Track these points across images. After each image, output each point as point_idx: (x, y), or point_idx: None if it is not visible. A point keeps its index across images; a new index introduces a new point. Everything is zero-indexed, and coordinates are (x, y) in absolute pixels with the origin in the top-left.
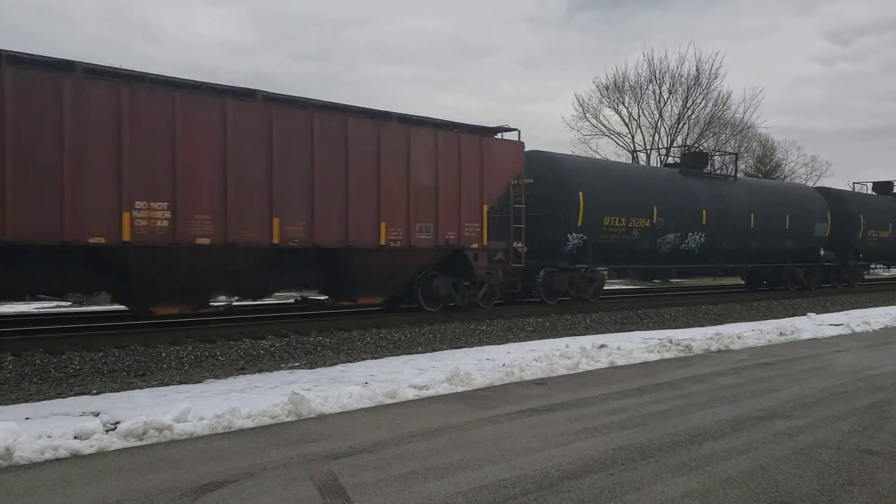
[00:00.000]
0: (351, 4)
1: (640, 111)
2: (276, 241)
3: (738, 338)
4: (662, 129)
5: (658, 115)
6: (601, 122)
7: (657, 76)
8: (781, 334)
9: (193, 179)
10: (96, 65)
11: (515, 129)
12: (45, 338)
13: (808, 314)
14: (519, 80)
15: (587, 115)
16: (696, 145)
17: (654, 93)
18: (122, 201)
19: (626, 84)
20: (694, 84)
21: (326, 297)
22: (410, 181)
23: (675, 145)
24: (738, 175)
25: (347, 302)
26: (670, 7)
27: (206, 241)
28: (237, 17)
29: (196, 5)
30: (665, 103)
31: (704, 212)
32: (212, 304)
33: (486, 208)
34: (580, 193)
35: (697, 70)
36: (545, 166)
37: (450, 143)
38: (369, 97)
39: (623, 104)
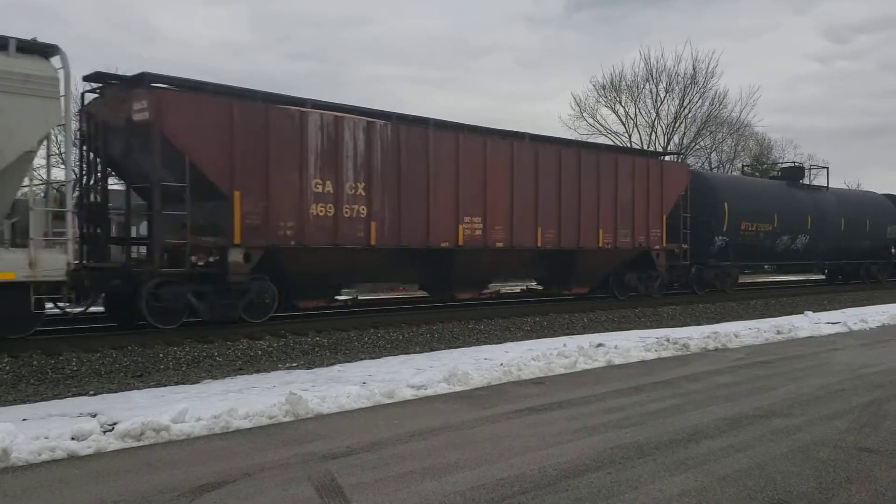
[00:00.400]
0: (349, 4)
1: (637, 110)
2: (539, 244)
3: (736, 336)
4: (659, 128)
5: (655, 115)
6: (598, 122)
7: (654, 75)
8: (779, 333)
9: (494, 200)
10: (440, 119)
11: (682, 153)
12: (42, 339)
13: (806, 312)
14: (517, 80)
15: (584, 114)
16: (694, 144)
17: (650, 92)
18: (458, 217)
19: (623, 83)
20: (691, 83)
21: (541, 287)
22: (617, 197)
23: (671, 144)
24: (829, 186)
25: (564, 291)
26: (668, 6)
27: (500, 244)
28: (235, 17)
29: (194, 5)
30: (662, 102)
31: (809, 217)
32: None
33: (664, 217)
34: (726, 203)
35: (694, 69)
36: (698, 181)
37: (640, 167)
38: (367, 97)
39: (620, 103)
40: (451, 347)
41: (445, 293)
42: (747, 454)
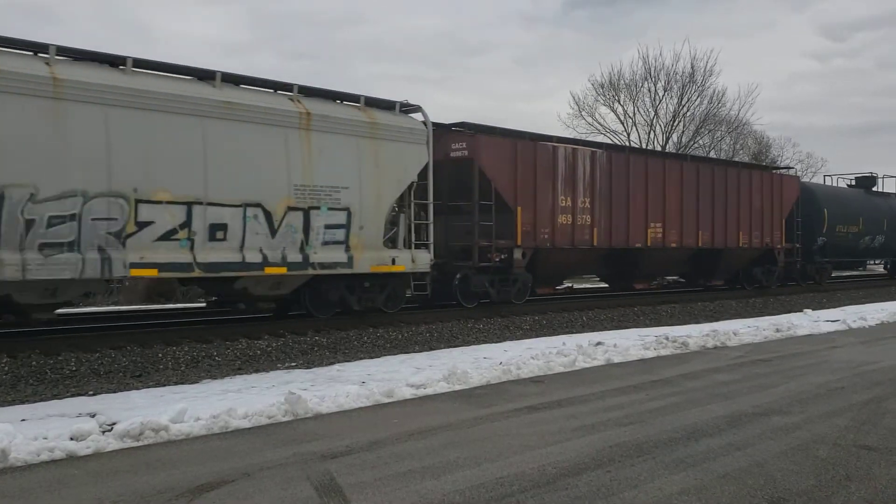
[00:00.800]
0: (345, 3)
1: (636, 109)
2: (699, 244)
3: (735, 334)
4: (658, 127)
5: (654, 113)
6: (597, 121)
7: (652, 74)
8: (778, 331)
9: (669, 209)
10: (634, 147)
11: (794, 168)
12: (41, 339)
13: (805, 310)
14: (514, 78)
15: (583, 113)
16: (693, 143)
17: (649, 90)
18: (646, 223)
19: (622, 82)
20: (689, 81)
21: (683, 279)
22: (751, 205)
23: (670, 142)
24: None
25: (707, 283)
26: (665, 4)
27: (674, 244)
28: (231, 15)
29: (190, 4)
30: (660, 101)
31: (885, 220)
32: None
33: (783, 221)
34: (825, 210)
35: (692, 67)
36: (804, 191)
37: (766, 180)
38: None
39: (618, 102)
40: (451, 346)
41: (626, 284)
42: (747, 452)
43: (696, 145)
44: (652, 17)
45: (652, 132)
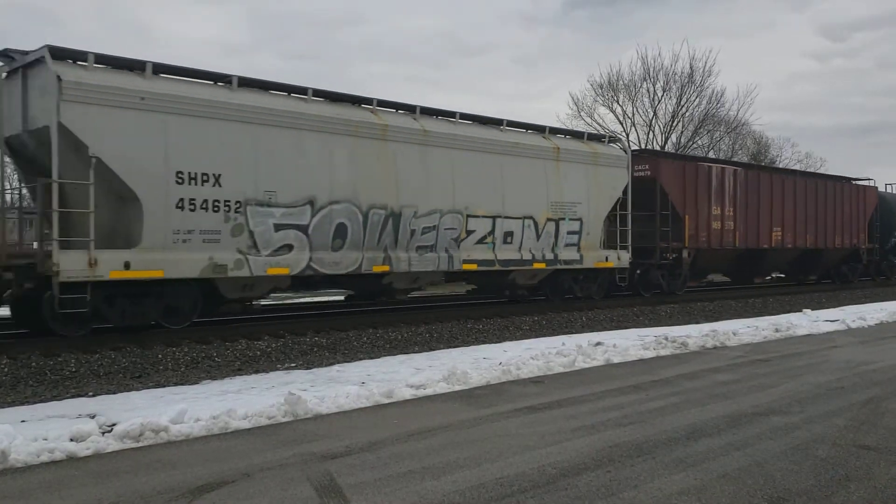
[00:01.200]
0: (345, 3)
1: (635, 109)
2: (807, 245)
3: (734, 334)
4: (657, 128)
5: (653, 114)
6: (595, 121)
7: (651, 74)
8: (777, 331)
9: (785, 216)
10: (760, 164)
11: (873, 179)
12: (40, 340)
13: (804, 310)
14: (513, 78)
15: (582, 113)
16: (692, 144)
17: (648, 91)
18: (770, 228)
19: (621, 82)
20: (688, 82)
21: (783, 275)
22: (843, 211)
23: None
24: None
25: (805, 279)
26: (665, 4)
27: (790, 245)
28: (231, 16)
29: (189, 4)
30: (659, 101)
31: None
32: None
33: (866, 225)
34: None
35: (691, 68)
36: (879, 198)
37: (853, 190)
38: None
39: (617, 102)
40: (450, 347)
41: (747, 279)
42: (746, 452)
43: (694, 146)
44: (652, 17)
45: (651, 133)
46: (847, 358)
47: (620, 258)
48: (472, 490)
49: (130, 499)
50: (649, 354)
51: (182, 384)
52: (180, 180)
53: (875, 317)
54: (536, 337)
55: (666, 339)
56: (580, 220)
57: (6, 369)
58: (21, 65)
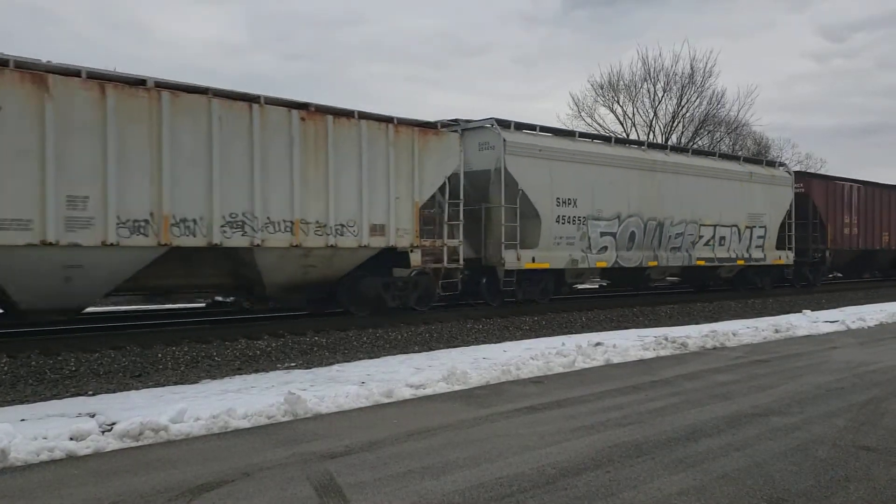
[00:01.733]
0: (345, 3)
1: (635, 110)
2: (882, 247)
3: (734, 335)
4: (657, 128)
5: (653, 114)
6: (596, 121)
7: (651, 74)
8: (777, 331)
9: (891, 223)
10: (868, 181)
11: None
12: (40, 339)
13: (804, 311)
14: (513, 78)
15: (582, 113)
16: (692, 144)
17: (648, 91)
18: (881, 232)
19: (621, 82)
20: (688, 82)
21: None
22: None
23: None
24: None
25: (857, 275)
26: (665, 4)
27: (894, 247)
28: (230, 16)
29: (189, 4)
30: (660, 102)
31: None
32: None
33: None
34: None
35: (692, 68)
36: None
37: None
38: (362, 97)
39: (618, 103)
40: (450, 347)
41: (856, 275)
42: (746, 453)
43: (694, 146)
44: (652, 17)
45: (651, 133)
46: (847, 359)
47: (788, 257)
48: (472, 490)
49: (130, 498)
50: (649, 355)
51: (182, 383)
52: (558, 203)
53: (875, 318)
54: (536, 337)
55: (666, 339)
56: (765, 227)
57: (6, 368)
58: (464, 128)
